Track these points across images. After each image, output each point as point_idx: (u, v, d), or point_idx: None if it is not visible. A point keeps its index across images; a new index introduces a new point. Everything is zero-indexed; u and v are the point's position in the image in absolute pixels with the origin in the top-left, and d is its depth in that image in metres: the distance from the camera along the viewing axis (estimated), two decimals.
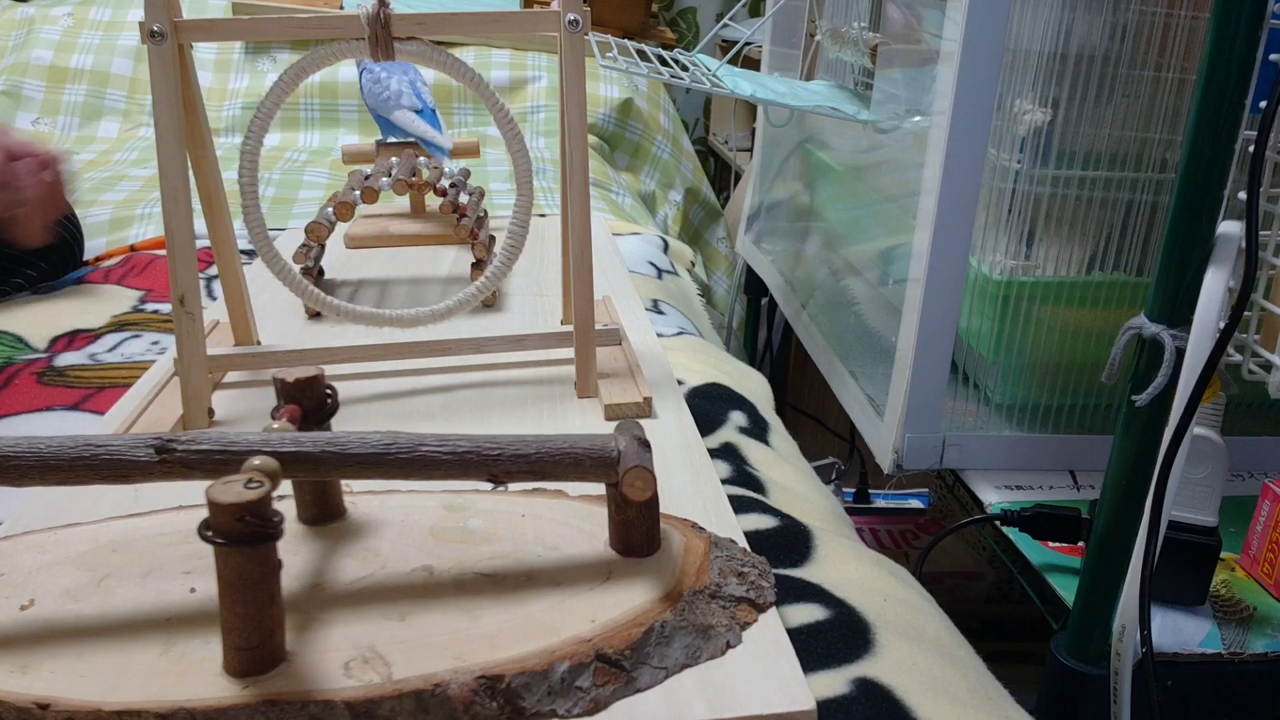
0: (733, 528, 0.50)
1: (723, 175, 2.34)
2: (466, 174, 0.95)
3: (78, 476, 0.39)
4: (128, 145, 1.43)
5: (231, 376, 0.68)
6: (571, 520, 0.48)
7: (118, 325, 0.79)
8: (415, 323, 0.64)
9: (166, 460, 0.39)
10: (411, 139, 0.92)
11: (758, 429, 0.68)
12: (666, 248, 1.10)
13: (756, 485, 0.60)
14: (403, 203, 1.06)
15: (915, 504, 1.20)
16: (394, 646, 0.38)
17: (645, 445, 0.43)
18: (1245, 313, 0.52)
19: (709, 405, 0.69)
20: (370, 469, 0.40)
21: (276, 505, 0.36)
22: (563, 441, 0.42)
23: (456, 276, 0.90)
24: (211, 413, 0.62)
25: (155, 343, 0.76)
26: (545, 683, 0.37)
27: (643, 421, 0.63)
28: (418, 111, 0.89)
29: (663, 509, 0.47)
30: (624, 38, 1.02)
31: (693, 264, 1.18)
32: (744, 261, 1.39)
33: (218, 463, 0.39)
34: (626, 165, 1.61)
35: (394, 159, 0.91)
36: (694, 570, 0.44)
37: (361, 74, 0.92)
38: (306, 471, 0.40)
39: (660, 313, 0.87)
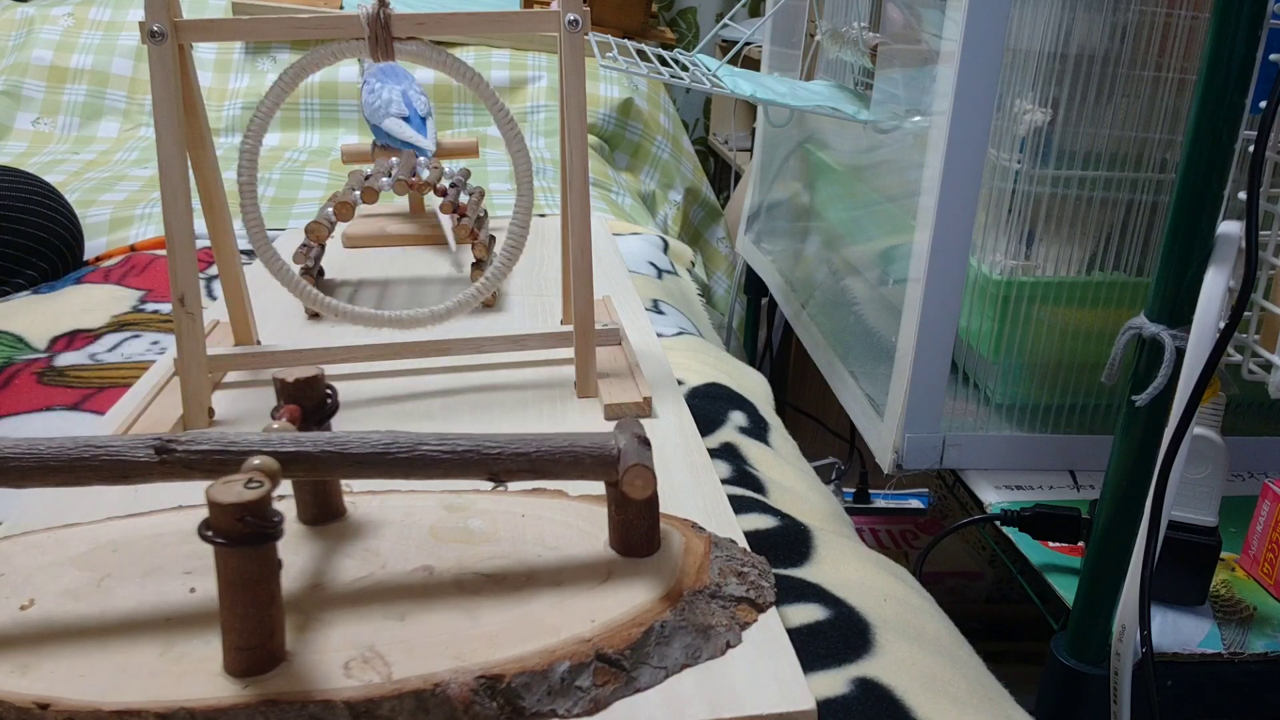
0: (733, 528, 0.50)
1: (723, 175, 2.34)
2: (466, 174, 0.95)
3: (78, 477, 0.39)
4: (128, 145, 1.43)
5: (231, 376, 0.68)
6: (571, 520, 0.48)
7: (118, 325, 0.79)
8: (415, 324, 0.64)
9: (166, 461, 0.39)
10: (400, 144, 0.93)
11: (758, 429, 0.68)
12: (666, 248, 1.10)
13: (756, 485, 0.60)
14: (402, 203, 1.06)
15: (915, 504, 1.20)
16: (394, 646, 0.38)
17: (645, 443, 0.43)
18: (1245, 313, 0.52)
19: (709, 405, 0.69)
20: (370, 469, 0.40)
21: (276, 505, 0.36)
22: (563, 440, 0.42)
23: (456, 277, 0.90)
24: (211, 413, 0.62)
25: (155, 343, 0.76)
26: (545, 683, 0.37)
27: (643, 421, 0.63)
28: (405, 118, 0.91)
29: (663, 509, 0.47)
30: (624, 38, 1.02)
31: (693, 264, 1.18)
32: (744, 261, 1.39)
33: (218, 463, 0.39)
34: (626, 165, 1.61)
35: (394, 159, 0.91)
36: (694, 570, 0.44)
37: (363, 88, 0.94)
38: (306, 471, 0.40)
39: (660, 313, 0.87)
